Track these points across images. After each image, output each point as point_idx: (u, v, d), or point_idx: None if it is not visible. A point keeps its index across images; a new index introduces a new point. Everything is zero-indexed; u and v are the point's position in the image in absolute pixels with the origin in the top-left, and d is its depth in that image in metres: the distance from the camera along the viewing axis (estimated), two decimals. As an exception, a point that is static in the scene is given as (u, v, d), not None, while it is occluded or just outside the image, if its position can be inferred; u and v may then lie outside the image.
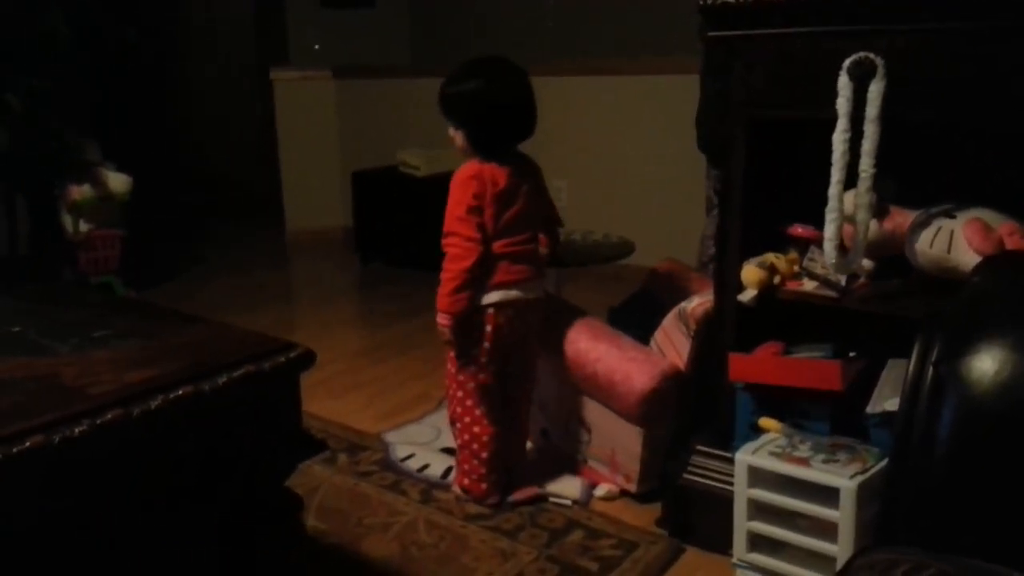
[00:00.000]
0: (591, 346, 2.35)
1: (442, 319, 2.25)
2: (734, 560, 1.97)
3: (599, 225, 3.43)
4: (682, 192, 4.05)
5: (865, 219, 1.85)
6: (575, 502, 2.34)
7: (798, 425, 1.99)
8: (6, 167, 4.05)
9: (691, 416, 2.26)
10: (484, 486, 2.35)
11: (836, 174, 1.81)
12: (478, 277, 2.22)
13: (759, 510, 1.92)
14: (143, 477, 1.42)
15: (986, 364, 1.25)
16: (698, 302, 2.29)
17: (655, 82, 4.38)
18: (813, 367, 1.95)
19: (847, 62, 1.76)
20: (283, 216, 5.75)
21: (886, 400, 1.87)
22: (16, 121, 3.96)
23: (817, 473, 1.81)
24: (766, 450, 1.91)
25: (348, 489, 2.45)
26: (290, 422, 1.65)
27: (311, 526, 2.22)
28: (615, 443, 2.35)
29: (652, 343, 2.41)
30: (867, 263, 1.98)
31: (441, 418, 2.77)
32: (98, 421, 1.32)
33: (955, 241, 1.83)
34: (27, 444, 1.24)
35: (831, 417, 1.96)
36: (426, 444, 2.71)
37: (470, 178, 2.21)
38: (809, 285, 2.02)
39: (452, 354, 2.33)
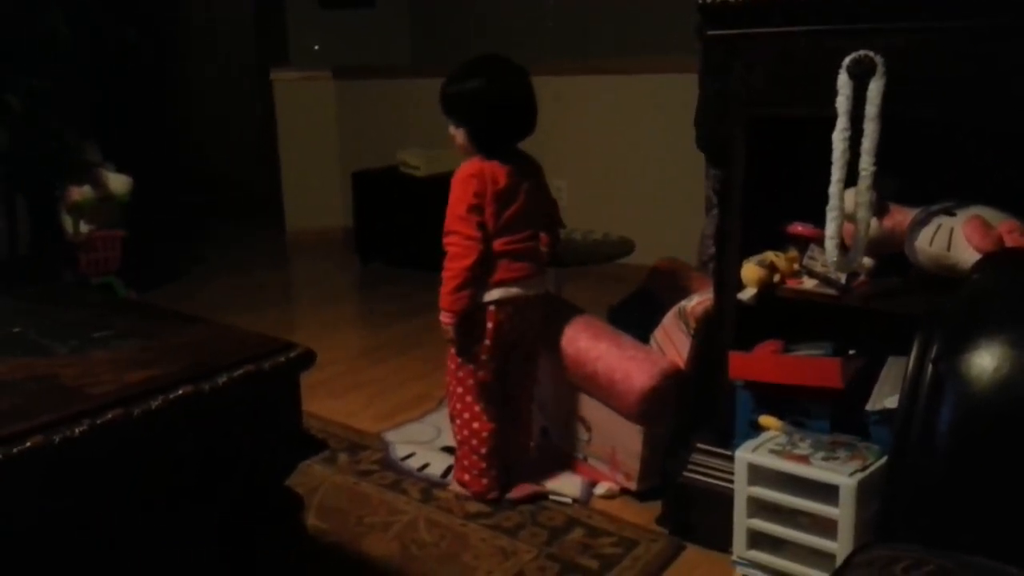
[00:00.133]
0: (591, 345, 2.35)
1: (445, 317, 2.26)
2: (734, 558, 1.98)
3: (599, 224, 3.43)
4: (682, 191, 4.05)
5: (866, 217, 1.85)
6: (575, 500, 2.34)
7: (798, 423, 2.00)
8: (6, 167, 4.05)
9: (691, 414, 2.26)
10: (484, 482, 2.35)
11: (836, 172, 1.81)
12: (479, 275, 2.22)
13: (759, 508, 1.92)
14: (143, 477, 1.42)
15: (985, 361, 1.25)
16: (698, 301, 2.29)
17: (655, 81, 4.38)
18: (813, 365, 1.95)
19: (846, 60, 1.76)
20: (283, 216, 5.75)
21: (886, 398, 1.87)
22: (16, 121, 3.95)
23: (817, 470, 1.81)
24: (766, 448, 1.91)
25: (348, 488, 2.45)
26: (290, 422, 1.65)
27: (311, 525, 2.23)
28: (615, 441, 2.35)
29: (652, 342, 2.41)
30: (867, 261, 1.98)
31: (441, 417, 2.77)
32: (98, 421, 1.32)
33: (955, 239, 1.83)
34: (27, 444, 1.24)
35: (831, 415, 1.96)
36: (426, 443, 2.71)
37: (470, 177, 2.21)
38: (809, 283, 2.02)
39: (453, 351, 2.33)
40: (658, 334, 2.40)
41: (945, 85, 1.73)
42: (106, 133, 4.73)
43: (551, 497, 2.36)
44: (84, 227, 4.23)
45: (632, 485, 2.35)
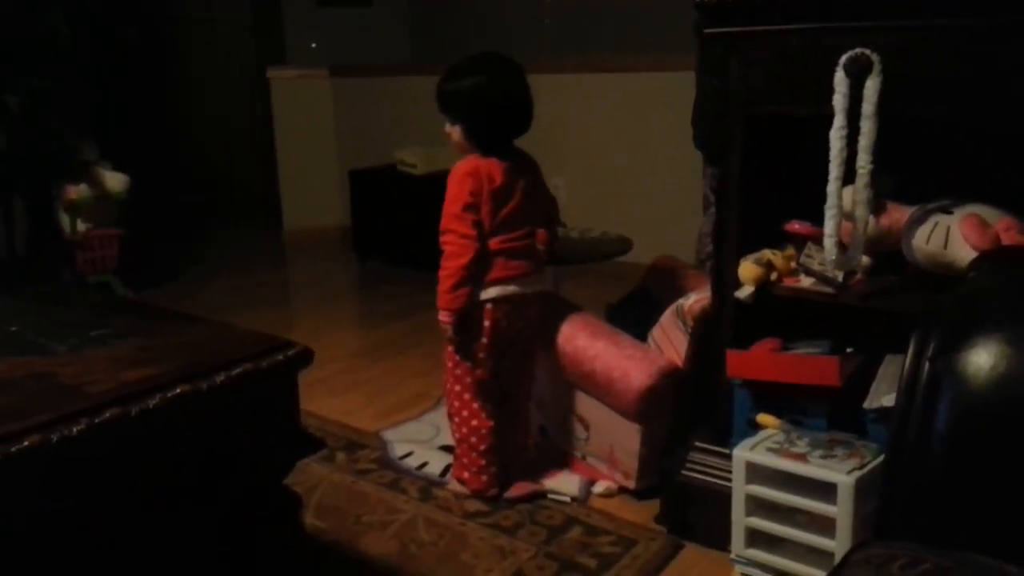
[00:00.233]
0: (589, 343, 2.35)
1: (443, 316, 2.26)
2: (732, 556, 1.98)
3: (597, 222, 3.44)
4: (679, 189, 4.06)
5: (864, 215, 1.85)
6: (574, 499, 2.35)
7: (796, 421, 2.00)
8: (4, 167, 4.05)
9: (689, 413, 2.27)
10: (483, 479, 2.35)
11: (834, 170, 1.81)
12: (476, 273, 2.23)
13: (757, 506, 1.92)
14: (142, 476, 1.42)
15: (982, 359, 1.25)
16: (695, 299, 2.29)
17: (653, 79, 4.38)
18: (810, 363, 1.95)
19: (843, 58, 1.77)
20: (281, 215, 5.75)
21: (883, 396, 1.88)
22: (15, 121, 3.95)
23: (815, 469, 1.81)
24: (764, 446, 1.91)
25: (347, 487, 2.45)
26: (288, 420, 1.65)
27: (310, 524, 2.23)
28: (613, 440, 2.35)
29: (650, 340, 2.41)
30: (864, 259, 1.98)
31: (440, 416, 2.77)
32: (96, 420, 1.32)
33: (951, 237, 1.83)
34: (25, 443, 1.24)
35: (829, 413, 1.96)
36: (425, 442, 2.71)
37: (466, 175, 2.22)
38: (806, 281, 2.03)
39: (450, 349, 2.34)
40: (656, 332, 2.40)
41: (942, 84, 1.74)
42: (105, 132, 4.74)
43: (549, 496, 2.36)
44: (81, 226, 4.23)
45: (630, 484, 2.35)
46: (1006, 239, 1.77)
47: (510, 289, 2.27)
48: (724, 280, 2.09)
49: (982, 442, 1.24)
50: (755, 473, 1.90)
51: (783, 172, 2.09)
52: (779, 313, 2.05)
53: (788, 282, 2.04)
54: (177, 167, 6.42)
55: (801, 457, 1.85)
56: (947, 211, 1.88)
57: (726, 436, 2.09)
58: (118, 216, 4.36)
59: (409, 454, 2.62)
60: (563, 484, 2.39)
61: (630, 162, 4.56)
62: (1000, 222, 1.80)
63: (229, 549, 1.59)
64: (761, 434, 1.97)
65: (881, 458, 1.80)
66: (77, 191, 4.18)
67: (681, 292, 2.49)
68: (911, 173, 2.00)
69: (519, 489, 2.36)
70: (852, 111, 1.78)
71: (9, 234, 4.29)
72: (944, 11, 1.69)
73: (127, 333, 1.69)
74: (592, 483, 2.41)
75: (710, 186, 2.61)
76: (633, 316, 2.63)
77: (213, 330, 1.75)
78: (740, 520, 1.94)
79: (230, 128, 6.53)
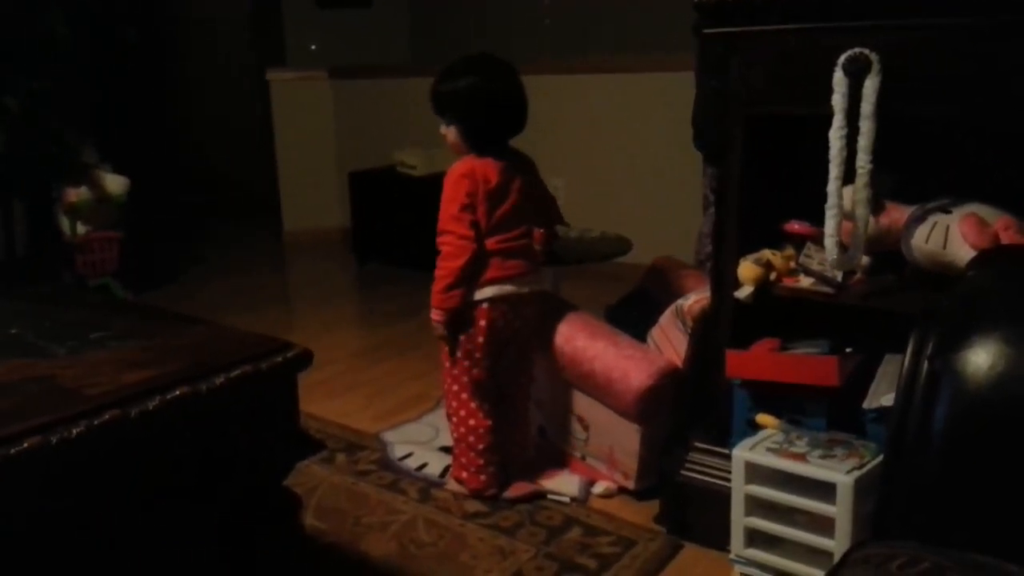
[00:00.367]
0: (588, 344, 2.35)
1: (435, 315, 2.28)
2: (732, 556, 1.98)
3: (596, 223, 3.43)
4: (679, 190, 4.05)
5: (864, 215, 1.85)
6: (573, 499, 2.35)
7: (795, 421, 2.00)
8: (4, 169, 4.05)
9: (688, 413, 2.27)
10: (482, 478, 2.35)
11: (834, 170, 1.81)
12: (471, 275, 2.24)
13: (756, 506, 1.92)
14: (141, 478, 1.42)
15: (981, 358, 1.25)
16: (695, 299, 2.29)
17: (652, 80, 4.38)
18: (810, 363, 1.95)
19: (842, 58, 1.77)
20: (281, 217, 5.75)
21: (882, 395, 1.88)
22: (15, 122, 3.95)
23: (814, 468, 1.81)
24: (763, 446, 1.92)
25: (346, 488, 2.45)
26: (288, 422, 1.65)
27: (310, 525, 2.23)
28: (613, 440, 2.36)
29: (649, 340, 2.41)
30: (863, 259, 1.98)
31: (439, 417, 2.77)
32: (96, 422, 1.32)
33: (951, 236, 1.83)
34: (25, 445, 1.24)
35: (828, 413, 1.96)
36: (424, 443, 2.71)
37: (462, 176, 2.23)
38: (805, 281, 2.03)
39: (446, 350, 2.34)
40: (655, 333, 2.40)
41: (942, 83, 1.74)
42: (105, 133, 4.74)
43: (549, 496, 2.36)
44: (81, 228, 4.23)
45: (630, 484, 2.35)
46: (1005, 238, 1.77)
47: (507, 289, 2.28)
48: (723, 280, 2.09)
49: (981, 441, 1.24)
50: (754, 473, 1.90)
51: (782, 172, 2.09)
52: (778, 313, 2.05)
53: (787, 282, 2.04)
54: (177, 168, 6.42)
55: (800, 457, 1.85)
56: (946, 210, 1.88)
57: (725, 436, 2.09)
58: (118, 219, 4.36)
59: (409, 455, 2.62)
60: (562, 484, 2.39)
61: (630, 162, 4.56)
62: (999, 221, 1.80)
63: (229, 550, 1.59)
64: (760, 434, 1.97)
65: (880, 458, 1.80)
66: (77, 194, 4.18)
67: (680, 292, 2.49)
68: (910, 173, 2.00)
69: (518, 489, 2.36)
70: (851, 111, 1.78)
71: (9, 236, 4.29)
72: (943, 10, 1.69)
73: (127, 335, 1.69)
74: (591, 483, 2.41)
75: (710, 186, 2.61)
76: (632, 316, 2.63)
77: (213, 332, 1.75)
78: (739, 520, 1.93)
79: (230, 129, 6.53)
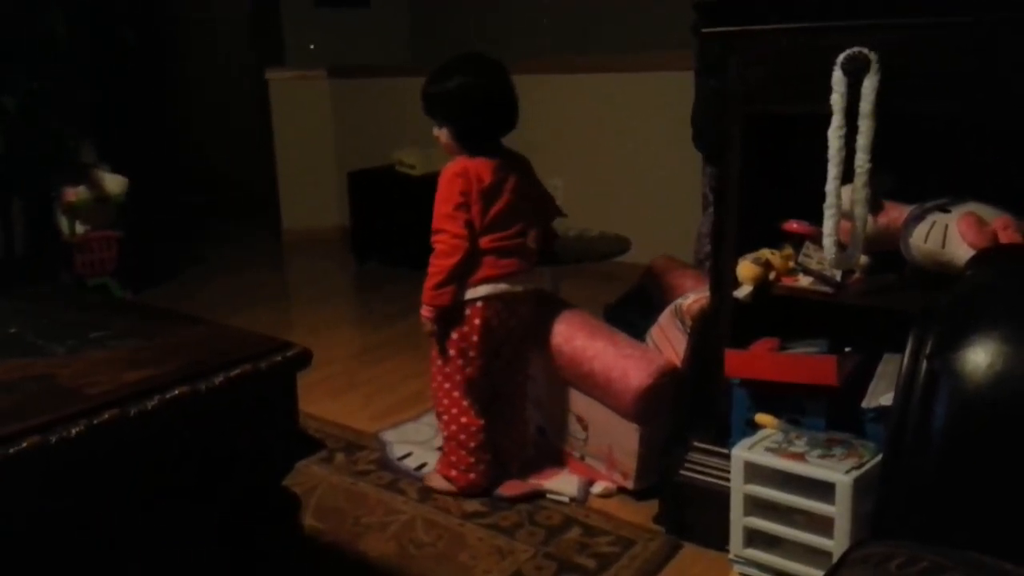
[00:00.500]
0: (588, 343, 2.35)
1: (425, 311, 2.29)
2: (731, 555, 1.98)
3: (595, 222, 3.43)
4: (678, 189, 4.05)
5: (863, 214, 1.85)
6: (572, 499, 2.35)
7: (794, 420, 2.00)
8: (3, 169, 4.05)
9: (687, 412, 2.27)
10: (471, 476, 2.36)
11: (833, 169, 1.81)
12: (463, 273, 2.24)
13: (755, 506, 1.92)
14: (141, 477, 1.42)
15: (979, 357, 1.25)
16: (694, 299, 2.30)
17: (651, 79, 4.38)
18: (809, 363, 1.95)
19: (840, 57, 1.77)
20: (280, 216, 5.75)
21: (881, 395, 1.88)
22: (14, 122, 3.95)
23: (813, 468, 1.82)
24: (762, 446, 1.92)
25: (346, 488, 2.45)
26: (287, 421, 1.65)
27: (309, 525, 2.23)
28: (612, 440, 2.36)
29: (648, 340, 2.41)
30: (862, 258, 1.98)
31: (439, 416, 2.77)
32: (95, 421, 1.32)
33: (949, 235, 1.83)
34: (24, 445, 1.24)
35: (827, 412, 1.96)
36: (423, 443, 2.71)
37: (455, 175, 2.24)
38: (804, 281, 2.03)
39: (437, 348, 2.35)
40: (654, 332, 2.40)
41: (942, 80, 1.74)
42: (104, 133, 4.73)
43: (548, 496, 2.36)
44: (80, 228, 4.23)
45: (629, 484, 2.35)
46: (1004, 237, 1.77)
47: (501, 287, 2.28)
48: (722, 280, 2.09)
49: (980, 440, 1.24)
50: (753, 473, 1.90)
51: (782, 171, 2.09)
52: (777, 313, 2.06)
53: (786, 281, 2.04)
54: (176, 167, 6.42)
55: (799, 457, 1.85)
56: (945, 210, 1.88)
57: (724, 436, 2.09)
58: (117, 218, 4.36)
59: (408, 455, 2.62)
60: (562, 484, 2.39)
61: (629, 162, 4.56)
62: (997, 220, 1.81)
63: (228, 550, 1.59)
64: (759, 434, 1.97)
65: (879, 457, 1.80)
66: (76, 193, 4.18)
67: (679, 292, 2.49)
68: (909, 172, 2.00)
69: (512, 488, 2.36)
70: (850, 110, 1.78)
71: (8, 236, 4.29)
72: (940, 9, 1.70)
73: (126, 334, 1.69)
74: (591, 483, 2.41)
75: (709, 186, 2.62)
76: (631, 316, 2.63)
77: (212, 331, 1.75)
78: (738, 520, 1.94)
79: (229, 129, 6.53)
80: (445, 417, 2.39)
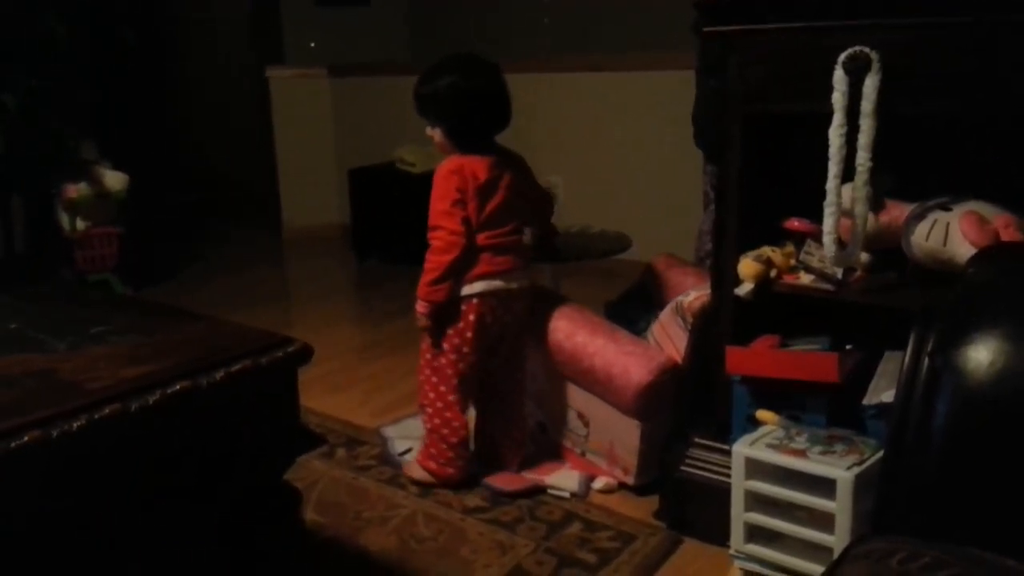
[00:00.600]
0: (588, 340, 2.36)
1: (420, 307, 2.30)
2: (732, 551, 1.98)
3: (596, 220, 3.43)
4: (679, 187, 4.05)
5: (863, 212, 1.86)
6: (573, 495, 2.35)
7: (795, 417, 2.00)
8: (3, 167, 4.05)
9: (688, 409, 2.27)
10: (450, 471, 2.37)
11: (833, 168, 1.82)
12: (459, 270, 2.25)
13: (756, 502, 1.92)
14: (141, 472, 1.42)
15: (981, 355, 1.25)
16: (695, 296, 2.30)
17: (652, 78, 4.38)
18: (810, 359, 1.95)
19: (842, 56, 1.77)
20: (280, 214, 5.75)
21: (882, 392, 1.88)
22: (15, 121, 3.95)
23: (814, 464, 1.82)
24: (763, 442, 1.92)
25: (347, 483, 2.46)
26: (288, 416, 1.65)
27: (310, 520, 2.23)
28: (613, 436, 2.36)
29: (649, 337, 2.42)
30: (863, 256, 1.98)
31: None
32: (95, 416, 1.32)
33: (951, 234, 1.83)
34: (24, 439, 1.24)
35: (828, 409, 1.97)
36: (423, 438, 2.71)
37: (451, 173, 2.25)
38: (805, 278, 2.03)
39: (428, 342, 2.36)
40: (655, 329, 2.40)
41: (941, 81, 1.74)
42: (105, 132, 4.74)
43: (549, 491, 2.37)
44: (81, 224, 4.23)
45: (630, 479, 2.35)
46: (1005, 236, 1.77)
47: (496, 284, 2.29)
48: (724, 277, 2.09)
49: (981, 437, 1.24)
50: (754, 469, 1.90)
51: (782, 169, 2.09)
52: (778, 310, 2.06)
53: (787, 279, 2.04)
54: (177, 166, 6.41)
55: (800, 453, 1.85)
56: (946, 208, 1.88)
57: (725, 432, 2.10)
58: (117, 215, 4.37)
59: (408, 450, 2.62)
60: (562, 480, 2.39)
61: (629, 160, 4.56)
62: (999, 219, 1.81)
63: (229, 545, 1.59)
64: (760, 430, 1.97)
65: (880, 454, 1.80)
66: (77, 190, 4.18)
67: (680, 289, 2.49)
68: (910, 170, 2.00)
69: (506, 481, 2.36)
70: (851, 109, 1.78)
71: (8, 232, 4.29)
72: (941, 8, 1.70)
73: (126, 330, 1.69)
74: (592, 479, 2.41)
75: (710, 184, 2.62)
76: (632, 313, 2.63)
77: (212, 327, 1.75)
78: (739, 516, 1.94)
79: (229, 128, 6.53)
80: (429, 410, 2.40)
